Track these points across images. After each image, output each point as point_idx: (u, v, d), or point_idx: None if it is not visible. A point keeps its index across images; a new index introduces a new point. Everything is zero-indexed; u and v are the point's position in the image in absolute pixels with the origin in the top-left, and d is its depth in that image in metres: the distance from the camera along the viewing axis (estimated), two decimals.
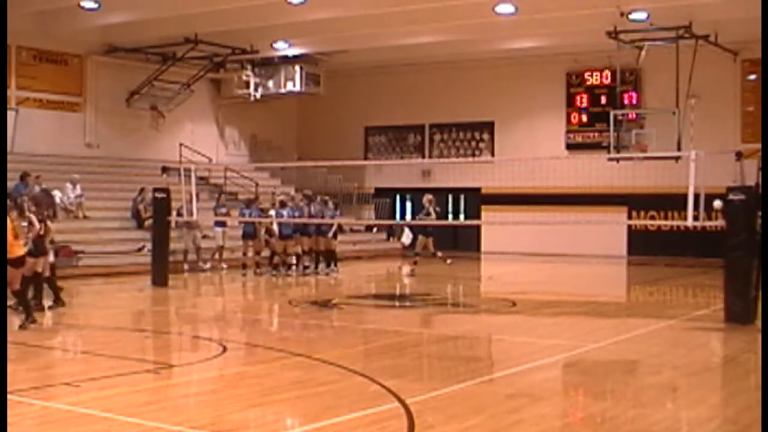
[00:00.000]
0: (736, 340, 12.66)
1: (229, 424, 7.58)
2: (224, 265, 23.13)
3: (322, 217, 22.73)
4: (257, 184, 28.64)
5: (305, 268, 22.59)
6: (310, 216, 22.62)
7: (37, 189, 22.53)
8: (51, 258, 15.26)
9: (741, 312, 13.52)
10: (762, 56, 17.87)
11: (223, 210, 23.58)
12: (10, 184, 19.67)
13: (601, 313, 15.97)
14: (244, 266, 22.32)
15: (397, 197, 33.34)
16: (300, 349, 11.40)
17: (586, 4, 22.11)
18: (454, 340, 12.76)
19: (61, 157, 25.91)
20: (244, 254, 22.55)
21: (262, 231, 22.78)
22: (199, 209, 22.30)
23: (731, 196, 13.81)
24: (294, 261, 22.93)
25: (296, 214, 22.74)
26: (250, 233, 22.31)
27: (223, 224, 23.24)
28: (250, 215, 22.50)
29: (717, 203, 15.60)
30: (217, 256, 23.31)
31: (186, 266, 22.68)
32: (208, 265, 23.04)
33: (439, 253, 23.86)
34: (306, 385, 9.27)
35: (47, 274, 14.86)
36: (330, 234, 22.91)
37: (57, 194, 23.25)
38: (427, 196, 24.11)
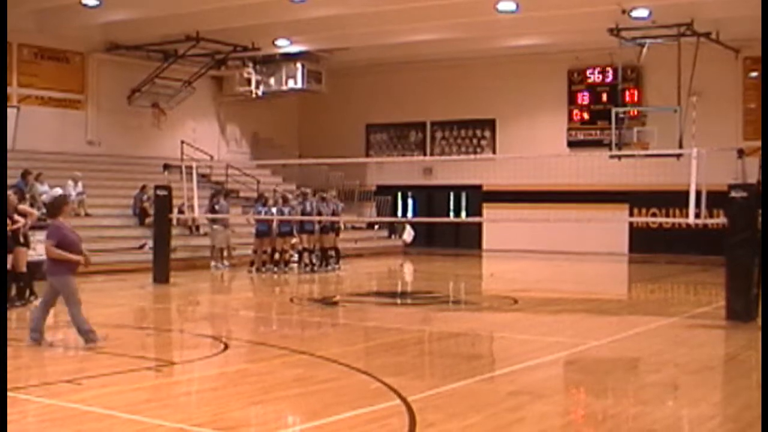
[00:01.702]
0: (738, 338, 12.65)
1: (230, 421, 7.58)
2: (226, 263, 23.13)
3: (319, 213, 22.67)
4: (259, 182, 28.65)
5: (306, 265, 22.57)
6: (305, 213, 22.58)
7: (39, 187, 22.59)
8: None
9: (742, 310, 13.51)
10: (762, 55, 17.88)
11: (217, 208, 23.55)
12: (12, 182, 19.65)
13: (603, 311, 15.96)
14: (252, 263, 22.29)
15: (399, 194, 33.34)
16: (301, 346, 11.41)
17: (587, 2, 22.12)
18: (456, 337, 12.76)
19: (62, 154, 25.94)
20: (255, 252, 22.48)
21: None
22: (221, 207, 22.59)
23: (733, 194, 13.79)
24: (296, 258, 22.94)
25: (289, 211, 22.70)
26: (264, 231, 22.22)
27: (215, 222, 23.19)
28: (266, 214, 22.39)
29: None
30: (225, 253, 23.31)
31: (215, 263, 22.85)
32: (218, 263, 23.04)
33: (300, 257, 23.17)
34: (307, 382, 9.27)
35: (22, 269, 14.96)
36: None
37: (58, 192, 23.25)
38: (332, 193, 24.12)
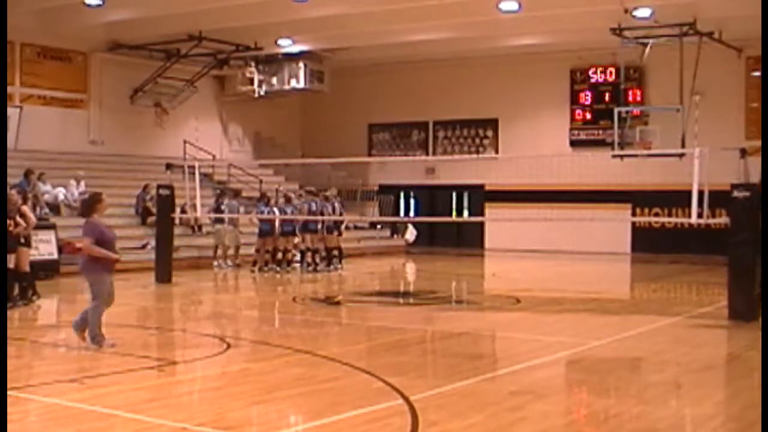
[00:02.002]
0: (740, 337, 12.65)
1: (231, 421, 7.59)
2: (230, 263, 23.12)
3: (322, 213, 22.64)
4: (261, 181, 28.65)
5: (309, 265, 22.55)
6: (311, 212, 22.57)
7: (41, 186, 22.62)
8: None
9: (744, 309, 13.50)
10: (762, 55, 17.86)
11: (223, 207, 23.54)
12: (14, 181, 19.67)
13: (605, 311, 15.95)
14: (255, 263, 22.28)
15: (401, 194, 33.34)
16: (304, 346, 11.41)
17: (589, 1, 22.12)
18: (458, 337, 12.76)
19: (65, 154, 25.96)
20: (258, 251, 22.46)
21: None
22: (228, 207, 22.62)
23: (735, 193, 13.78)
24: (298, 258, 22.94)
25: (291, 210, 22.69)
26: (267, 231, 22.21)
27: (222, 221, 23.19)
28: (269, 213, 22.36)
29: None
30: (231, 252, 23.30)
31: (219, 263, 22.87)
32: (230, 263, 23.02)
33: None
34: (309, 382, 9.27)
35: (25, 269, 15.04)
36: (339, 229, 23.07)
37: (61, 191, 23.30)
38: (333, 192, 24.04)
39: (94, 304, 10.81)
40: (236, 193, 24.36)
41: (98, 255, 10.71)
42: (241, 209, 24.20)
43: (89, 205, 11.17)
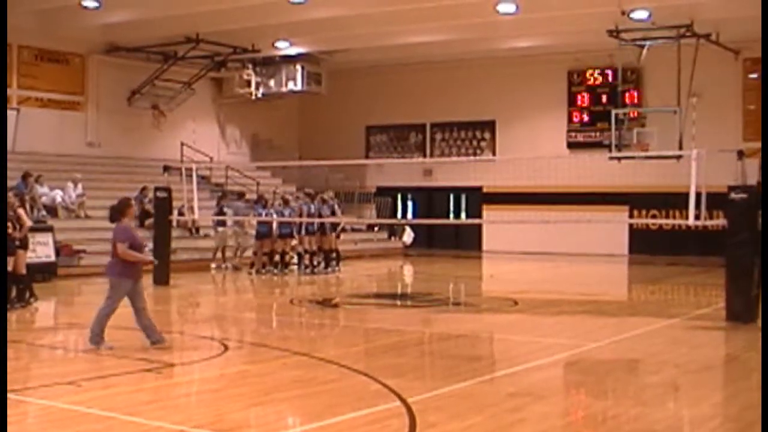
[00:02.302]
0: (738, 338, 12.66)
1: (230, 423, 7.58)
2: (228, 264, 23.10)
3: (319, 215, 22.63)
4: (258, 184, 28.63)
5: (306, 267, 22.55)
6: (309, 214, 22.56)
7: (39, 189, 22.60)
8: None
9: (742, 311, 13.52)
10: (762, 56, 17.88)
11: (226, 209, 23.56)
12: (11, 183, 19.66)
13: (603, 312, 15.95)
14: (252, 265, 22.26)
15: (399, 196, 33.34)
16: (301, 348, 11.40)
17: (587, 3, 22.11)
18: (456, 339, 12.75)
19: (62, 156, 25.95)
20: (255, 253, 22.47)
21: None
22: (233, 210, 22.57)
23: (733, 195, 13.79)
24: (295, 260, 22.93)
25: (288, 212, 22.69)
26: (264, 233, 22.21)
27: (224, 223, 23.23)
28: (266, 215, 22.36)
29: None
30: (230, 254, 23.28)
31: (217, 265, 22.86)
32: (229, 265, 23.01)
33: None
34: (307, 384, 9.27)
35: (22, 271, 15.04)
36: (336, 231, 23.05)
37: (58, 193, 23.28)
38: (330, 194, 24.00)
39: (106, 303, 10.84)
40: (240, 195, 24.33)
41: (133, 259, 10.75)
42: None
43: (120, 210, 11.17)
